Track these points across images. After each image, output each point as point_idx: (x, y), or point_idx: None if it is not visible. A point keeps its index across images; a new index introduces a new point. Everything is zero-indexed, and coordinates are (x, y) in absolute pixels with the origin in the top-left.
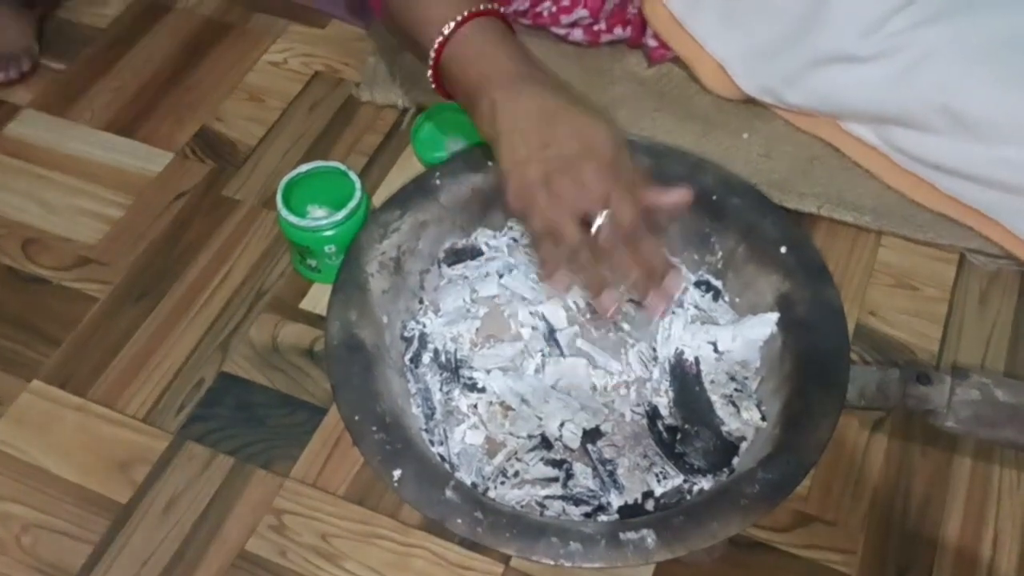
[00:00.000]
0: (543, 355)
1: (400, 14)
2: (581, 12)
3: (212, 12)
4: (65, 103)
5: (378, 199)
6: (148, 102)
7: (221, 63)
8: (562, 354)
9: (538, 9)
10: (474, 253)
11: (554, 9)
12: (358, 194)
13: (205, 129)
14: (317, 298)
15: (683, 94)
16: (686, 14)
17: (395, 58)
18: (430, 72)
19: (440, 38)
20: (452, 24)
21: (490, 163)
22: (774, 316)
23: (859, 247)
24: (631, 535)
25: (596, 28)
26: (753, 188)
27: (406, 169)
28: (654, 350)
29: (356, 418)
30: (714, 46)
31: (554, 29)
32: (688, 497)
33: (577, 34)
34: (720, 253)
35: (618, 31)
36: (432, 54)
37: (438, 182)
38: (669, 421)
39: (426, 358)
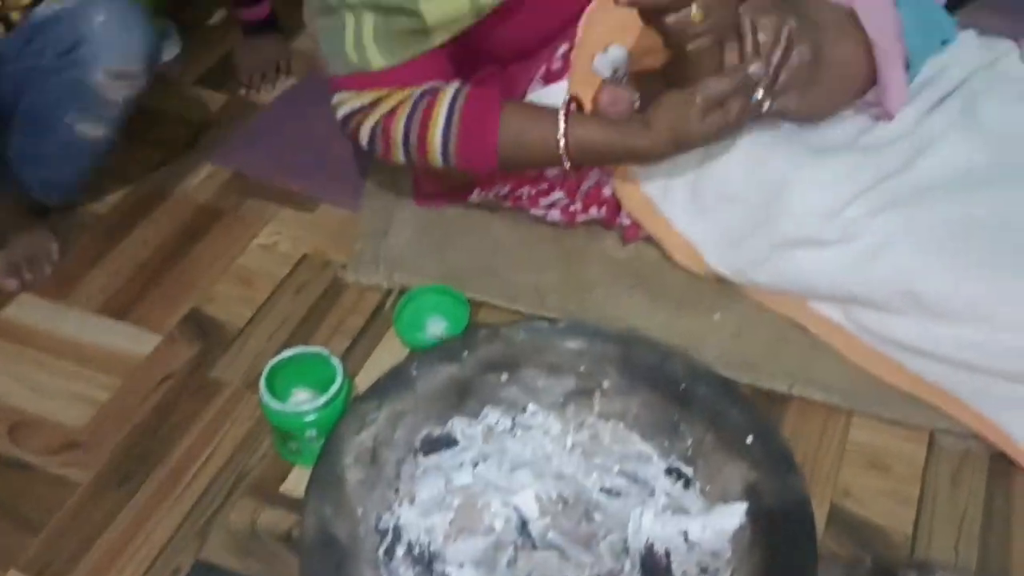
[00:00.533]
0: (515, 547)
1: (515, 157)
2: (558, 194)
3: (207, 199)
4: (61, 288)
5: (361, 380)
6: (142, 286)
7: (214, 247)
8: (534, 546)
9: (518, 193)
10: (449, 442)
11: (533, 192)
12: (339, 379)
13: (195, 311)
14: (298, 481)
15: (656, 273)
16: (658, 196)
17: (380, 241)
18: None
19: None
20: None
21: (466, 352)
22: (743, 506)
23: (831, 426)
24: None
25: (572, 209)
26: (721, 377)
27: (389, 350)
28: (625, 541)
29: None
30: (684, 227)
31: (533, 210)
32: None
33: (555, 215)
34: (689, 440)
35: (593, 211)
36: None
37: (415, 372)
38: None
39: (400, 551)
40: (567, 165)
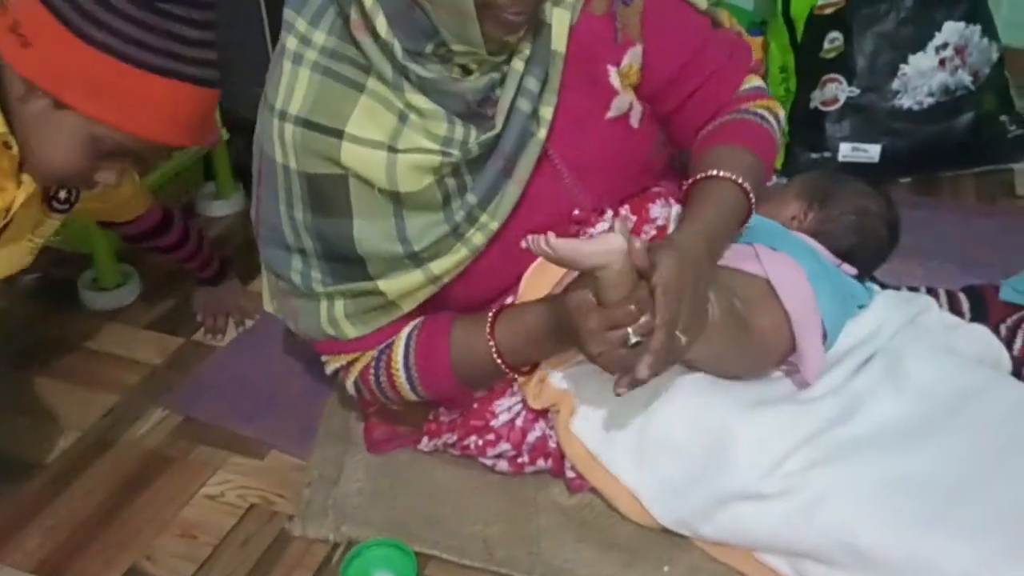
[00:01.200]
0: None
1: (471, 373)
2: (505, 445)
3: (156, 444)
4: None
5: None
6: (81, 541)
7: (159, 497)
8: None
9: (465, 442)
10: None
11: (480, 443)
12: None
13: (134, 569)
14: None
15: (605, 523)
16: (600, 449)
17: (330, 488)
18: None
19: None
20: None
21: None
22: None
23: None
24: None
25: (520, 460)
26: None
27: None
28: None
29: None
30: (628, 479)
31: (481, 460)
32: None
33: (503, 465)
34: None
35: (540, 463)
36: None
37: None
38: None
39: None
40: (503, 367)
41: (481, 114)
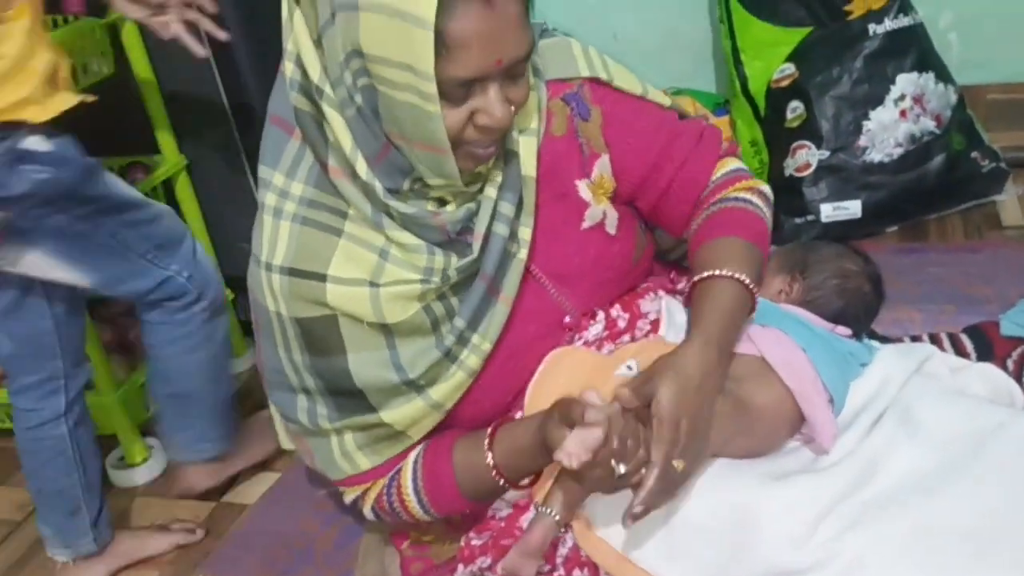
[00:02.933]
0: None
1: (477, 490)
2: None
3: None
4: None
5: None
6: None
7: None
8: None
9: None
10: None
11: None
12: None
13: None
14: None
15: None
16: (629, 547)
17: None
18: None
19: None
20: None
21: None
22: None
23: None
24: None
25: (556, 575)
26: None
27: None
28: None
29: None
30: (665, 572)
31: None
32: None
33: None
34: None
35: (576, 574)
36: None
37: None
38: None
39: None
40: (504, 483)
41: (460, 242)
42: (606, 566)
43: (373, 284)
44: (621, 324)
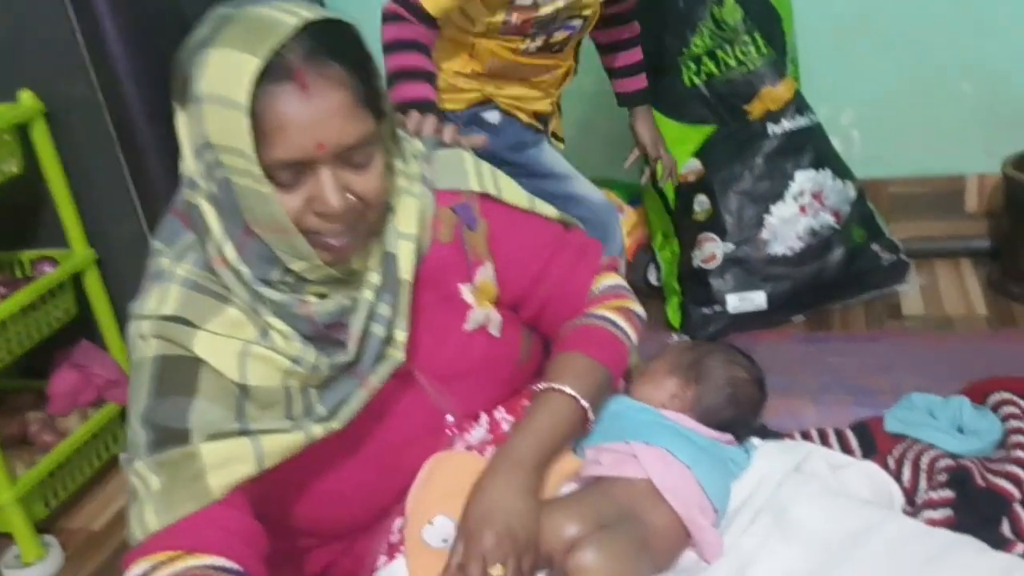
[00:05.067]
0: None
1: None
2: None
3: None
4: None
5: None
6: None
7: None
8: None
9: None
10: None
11: None
12: None
13: None
14: None
15: None
16: None
17: None
18: None
19: None
20: None
21: None
22: None
23: None
24: None
25: None
26: None
27: None
28: None
29: None
30: None
31: None
32: None
33: None
34: None
35: None
36: None
37: None
38: None
39: None
40: None
41: (332, 338)
42: None
43: (247, 342)
44: (505, 427)
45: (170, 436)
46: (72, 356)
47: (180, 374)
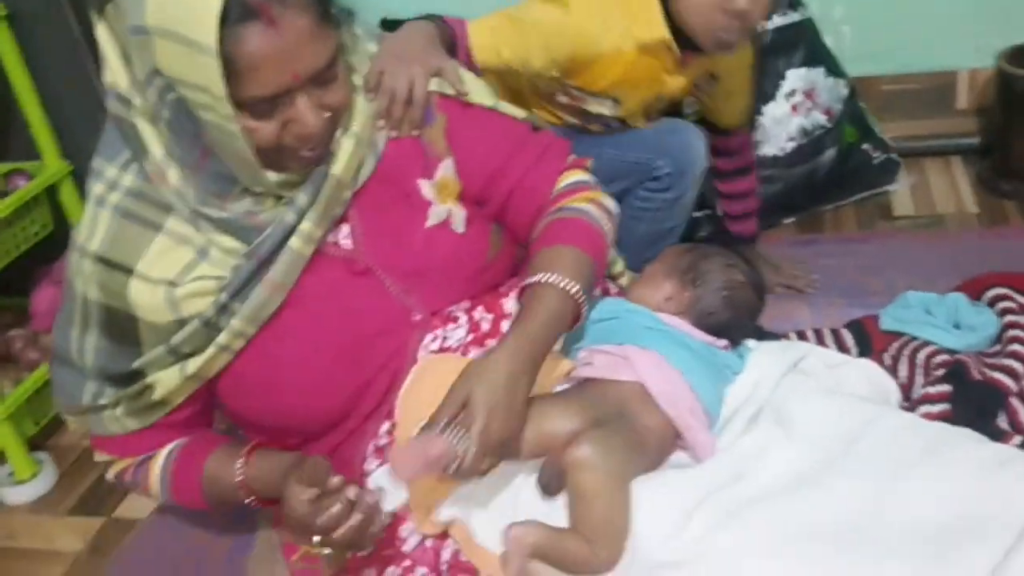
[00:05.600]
0: None
1: (214, 495)
2: (421, 570)
3: None
4: None
5: None
6: None
7: None
8: None
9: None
10: None
11: (399, 572)
12: None
13: None
14: None
15: None
16: None
17: None
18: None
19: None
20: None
21: None
22: None
23: None
24: None
25: None
26: None
27: None
28: None
29: None
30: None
31: None
32: None
33: None
34: None
35: None
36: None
37: None
38: None
39: None
40: (247, 499)
41: None
42: (492, 571)
43: (173, 284)
44: (485, 326)
45: (121, 374)
46: (53, 273)
47: (126, 327)
